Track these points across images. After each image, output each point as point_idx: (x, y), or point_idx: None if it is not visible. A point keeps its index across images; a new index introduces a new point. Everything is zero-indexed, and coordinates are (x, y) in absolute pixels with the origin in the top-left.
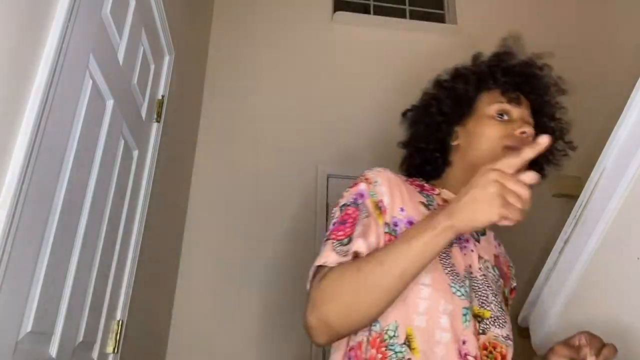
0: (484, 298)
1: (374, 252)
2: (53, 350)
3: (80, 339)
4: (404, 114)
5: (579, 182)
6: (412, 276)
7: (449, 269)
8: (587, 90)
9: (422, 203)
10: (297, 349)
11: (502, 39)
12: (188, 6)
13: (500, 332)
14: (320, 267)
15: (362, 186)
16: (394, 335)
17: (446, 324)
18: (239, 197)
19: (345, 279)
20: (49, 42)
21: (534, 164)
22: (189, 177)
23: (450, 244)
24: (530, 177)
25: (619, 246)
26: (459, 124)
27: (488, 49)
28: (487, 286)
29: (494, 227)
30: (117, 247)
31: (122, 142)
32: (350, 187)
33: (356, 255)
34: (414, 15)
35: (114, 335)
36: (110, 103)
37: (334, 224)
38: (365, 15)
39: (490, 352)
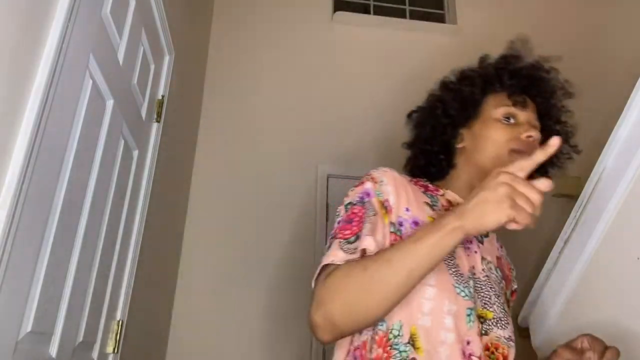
0: (487, 299)
1: (381, 251)
2: (53, 350)
3: (80, 339)
4: (409, 115)
5: (579, 182)
6: (420, 276)
7: (453, 269)
8: (587, 91)
9: (427, 203)
10: (297, 349)
11: (509, 42)
12: (188, 6)
13: (502, 334)
14: (325, 265)
15: (369, 185)
16: (398, 335)
17: (450, 325)
18: (238, 197)
19: (352, 278)
20: (49, 42)
21: (539, 167)
22: (189, 177)
23: None
24: (545, 184)
25: (619, 246)
26: (465, 127)
27: (488, 48)
28: (490, 287)
29: (502, 230)
30: (117, 247)
31: (122, 142)
32: (356, 186)
33: (364, 253)
34: (414, 15)
35: (114, 335)
36: (110, 103)
37: (339, 223)
38: (365, 15)
39: (492, 353)
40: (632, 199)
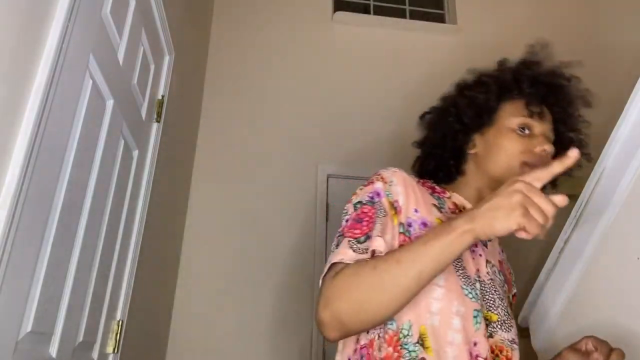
0: (491, 302)
1: (390, 251)
2: (53, 350)
3: (80, 339)
4: (422, 117)
5: (579, 182)
6: (429, 278)
7: (460, 271)
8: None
9: (435, 205)
10: (297, 349)
11: (529, 45)
12: (188, 6)
13: (506, 336)
14: (333, 264)
15: (379, 185)
16: (407, 334)
17: (458, 325)
18: (238, 196)
19: (361, 277)
20: (49, 42)
21: None
22: (189, 177)
23: None
24: (561, 200)
25: (619, 246)
26: (478, 132)
27: (487, 48)
28: (494, 290)
29: (511, 238)
30: (117, 247)
31: (122, 142)
32: (365, 185)
33: (373, 254)
34: (414, 15)
35: (114, 335)
36: (110, 103)
37: (347, 221)
38: (365, 15)
39: (497, 356)
40: (632, 199)
